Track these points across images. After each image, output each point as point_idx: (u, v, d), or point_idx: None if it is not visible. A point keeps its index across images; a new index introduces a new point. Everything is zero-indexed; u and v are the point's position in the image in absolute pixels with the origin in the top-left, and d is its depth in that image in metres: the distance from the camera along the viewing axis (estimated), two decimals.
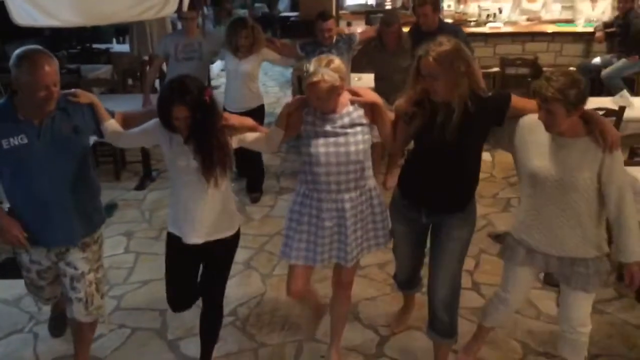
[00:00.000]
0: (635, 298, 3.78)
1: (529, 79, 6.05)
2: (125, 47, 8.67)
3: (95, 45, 8.42)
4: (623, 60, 6.81)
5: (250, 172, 5.51)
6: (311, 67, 2.61)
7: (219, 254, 2.91)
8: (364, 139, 2.74)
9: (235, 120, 2.80)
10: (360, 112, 2.75)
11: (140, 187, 5.76)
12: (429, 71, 2.49)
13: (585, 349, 2.81)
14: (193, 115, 2.55)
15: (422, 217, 2.84)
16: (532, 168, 2.57)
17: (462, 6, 8.26)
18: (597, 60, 7.16)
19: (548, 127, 2.47)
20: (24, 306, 3.84)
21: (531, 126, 2.56)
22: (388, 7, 9.53)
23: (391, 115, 2.79)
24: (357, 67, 5.30)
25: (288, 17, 9.87)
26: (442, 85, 2.49)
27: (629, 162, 4.64)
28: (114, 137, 2.86)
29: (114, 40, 9.09)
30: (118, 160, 5.98)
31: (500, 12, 8.15)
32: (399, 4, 9.46)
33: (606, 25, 7.14)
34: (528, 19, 7.95)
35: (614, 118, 4.86)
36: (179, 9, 4.62)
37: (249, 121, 2.87)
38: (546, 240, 2.66)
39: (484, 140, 2.71)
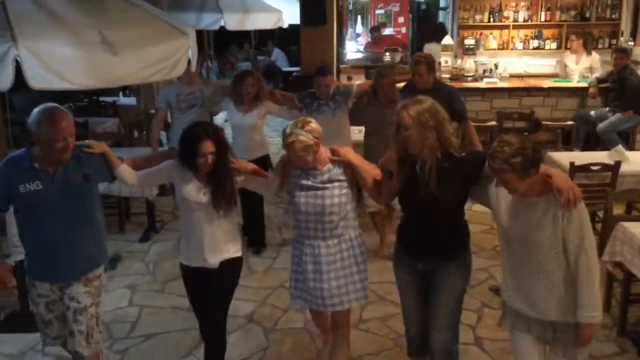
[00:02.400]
0: (638, 353, 3.76)
1: (526, 132, 6.16)
2: (131, 100, 8.82)
3: (102, 98, 8.58)
4: (618, 115, 6.94)
5: (251, 225, 5.55)
6: (287, 129, 3.00)
7: (220, 277, 3.18)
8: (340, 193, 3.09)
9: (239, 164, 3.19)
10: (340, 169, 3.11)
11: (144, 239, 5.79)
12: (405, 124, 2.75)
13: None
14: (217, 151, 2.96)
15: (420, 265, 2.98)
16: (504, 228, 2.66)
17: (459, 61, 8.45)
18: (592, 113, 7.29)
19: (509, 192, 2.56)
20: None
21: (502, 188, 2.61)
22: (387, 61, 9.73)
23: (377, 172, 3.04)
24: (351, 120, 5.37)
25: (290, 72, 10.09)
26: (414, 138, 2.74)
27: (627, 217, 4.69)
28: (129, 178, 3.18)
29: (121, 93, 9.25)
30: (122, 212, 6.02)
31: (496, 67, 8.33)
32: (397, 59, 9.66)
33: (600, 80, 7.30)
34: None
35: (609, 173, 4.93)
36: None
37: (251, 165, 3.26)
38: (526, 303, 2.64)
39: (462, 196, 2.87)
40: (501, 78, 8.09)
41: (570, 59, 8.05)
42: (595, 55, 8.03)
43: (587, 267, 2.49)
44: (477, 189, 2.81)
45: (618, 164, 4.94)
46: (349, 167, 3.10)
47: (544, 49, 8.79)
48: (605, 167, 4.95)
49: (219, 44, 13.13)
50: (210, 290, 3.20)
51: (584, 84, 7.52)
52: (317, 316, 3.54)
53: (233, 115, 5.22)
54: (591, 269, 2.50)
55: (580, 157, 5.35)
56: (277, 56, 13.70)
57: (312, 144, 2.99)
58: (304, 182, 3.12)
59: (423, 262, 2.97)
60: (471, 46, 8.54)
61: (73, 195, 2.98)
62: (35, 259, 3.06)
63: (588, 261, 2.49)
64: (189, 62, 3.64)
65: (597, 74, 7.58)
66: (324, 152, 3.10)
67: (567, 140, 7.12)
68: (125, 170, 3.17)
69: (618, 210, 4.85)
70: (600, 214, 5.02)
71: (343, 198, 3.10)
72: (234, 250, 3.22)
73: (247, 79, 5.07)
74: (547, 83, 7.78)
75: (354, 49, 10.37)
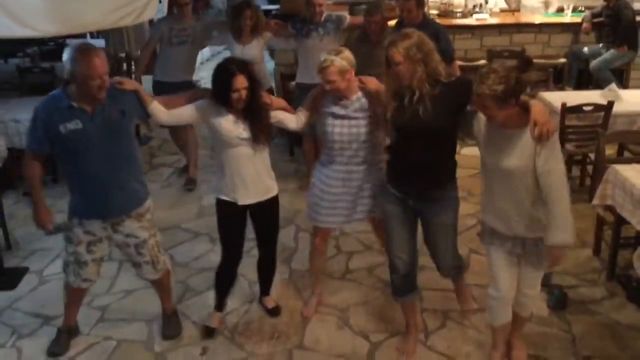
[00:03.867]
0: (627, 297, 3.88)
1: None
2: (100, 42, 8.58)
3: (69, 41, 8.33)
4: (612, 52, 6.92)
5: None
6: (322, 56, 3.26)
7: (269, 212, 3.54)
8: (369, 122, 3.35)
9: (270, 98, 3.44)
10: (366, 99, 3.36)
11: None
12: (396, 60, 2.95)
13: (530, 308, 3.25)
14: (251, 86, 3.15)
15: (409, 200, 3.21)
16: (482, 156, 2.95)
17: None
18: (585, 50, 7.26)
19: (488, 120, 2.82)
20: (5, 319, 3.87)
21: (485, 119, 2.87)
22: None
23: None
24: None
25: (269, 11, 9.83)
26: (403, 72, 2.95)
27: (619, 159, 4.76)
28: (161, 115, 3.32)
29: (88, 35, 8.98)
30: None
31: (487, 2, 8.21)
32: None
33: (594, 15, 7.22)
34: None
35: (602, 113, 4.96)
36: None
37: (281, 101, 3.54)
38: (498, 221, 2.98)
39: (451, 124, 3.05)
40: (491, 13, 7.98)
41: None
42: None
43: (557, 190, 2.74)
44: (467, 120, 3.01)
45: (611, 104, 4.96)
46: (373, 96, 3.33)
47: None
48: (597, 107, 4.97)
49: None
50: (262, 221, 3.56)
51: (577, 19, 7.44)
52: (324, 234, 3.75)
53: (233, 48, 5.32)
54: (561, 192, 2.74)
55: (573, 97, 5.36)
56: None
57: (346, 70, 3.24)
58: (336, 111, 3.37)
59: (413, 199, 3.20)
60: None
61: (112, 132, 3.13)
62: (84, 197, 3.22)
63: (558, 185, 2.74)
64: (161, 2, 3.55)
65: (584, 9, 7.50)
66: (355, 82, 3.35)
67: (559, 79, 7.11)
68: (157, 107, 3.30)
69: (610, 152, 4.90)
70: (592, 156, 5.09)
71: (372, 127, 3.37)
72: (272, 185, 3.52)
73: (246, 11, 5.19)
74: (539, 18, 7.69)
75: None
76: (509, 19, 7.78)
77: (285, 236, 4.70)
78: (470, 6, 8.17)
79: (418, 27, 4.79)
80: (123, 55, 7.73)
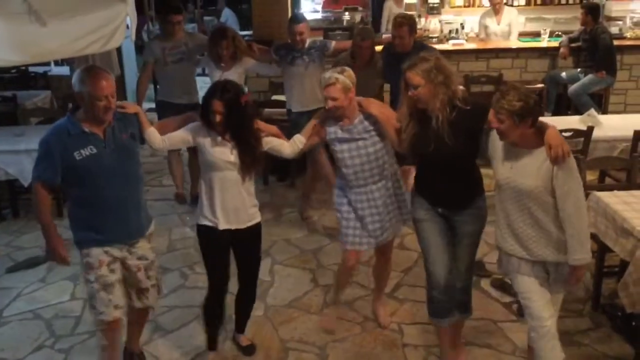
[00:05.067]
0: (612, 328, 3.91)
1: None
2: (64, 70, 8.55)
3: (31, 69, 8.28)
4: (590, 76, 7.07)
5: None
6: (327, 74, 3.42)
7: (252, 241, 3.57)
8: (377, 140, 3.49)
9: (262, 125, 3.50)
10: (368, 121, 3.48)
11: None
12: (414, 83, 3.07)
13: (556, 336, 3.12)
14: (228, 112, 3.21)
15: (439, 209, 3.34)
16: (497, 176, 3.03)
17: (423, 21, 8.45)
18: (563, 75, 7.41)
19: (501, 136, 2.91)
20: None
21: (499, 139, 2.97)
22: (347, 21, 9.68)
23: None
24: None
25: (242, 37, 9.89)
26: (424, 95, 3.06)
27: (600, 186, 4.83)
28: (156, 141, 3.39)
29: (52, 62, 8.94)
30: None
31: (463, 27, 8.36)
32: (357, 18, 9.61)
33: (571, 40, 7.39)
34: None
35: (582, 139, 5.05)
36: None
37: (273, 128, 3.57)
38: (517, 245, 3.02)
39: (471, 147, 3.14)
40: (468, 39, 8.13)
41: (490, 18, 8.06)
42: (511, 10, 8.12)
43: (578, 210, 2.86)
44: (485, 142, 3.10)
45: (591, 129, 5.05)
46: (375, 118, 3.46)
47: (512, 5, 8.78)
48: (577, 132, 5.06)
49: (160, 4, 12.78)
50: (242, 250, 3.56)
51: (555, 44, 7.62)
52: (358, 257, 3.81)
53: (213, 73, 5.41)
54: (581, 211, 2.88)
55: (552, 122, 5.34)
56: (228, 17, 13.38)
57: (350, 87, 3.38)
58: (341, 136, 3.51)
59: (442, 208, 3.33)
60: (435, 4, 8.53)
61: (125, 154, 3.23)
62: (105, 222, 3.20)
63: (579, 205, 2.87)
64: (128, 29, 3.53)
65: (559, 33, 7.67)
66: (355, 104, 3.48)
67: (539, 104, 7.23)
68: (153, 132, 3.38)
69: (590, 178, 4.98)
70: None
71: (380, 144, 3.51)
72: (255, 212, 3.55)
73: (221, 41, 5.29)
74: (515, 43, 7.86)
75: (310, 8, 10.26)
76: (486, 44, 7.93)
77: (260, 269, 4.66)
78: (446, 31, 8.34)
79: (409, 52, 4.95)
80: None
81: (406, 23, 5.11)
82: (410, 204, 3.54)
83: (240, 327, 3.86)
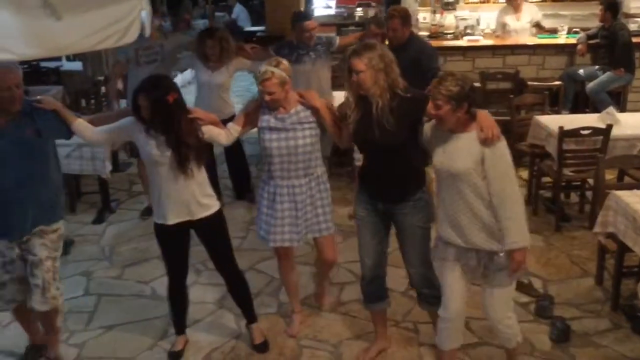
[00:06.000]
0: (632, 328, 3.88)
1: (511, 95, 6.20)
2: (76, 65, 8.60)
3: (43, 64, 8.33)
4: (608, 74, 7.01)
5: (238, 182, 5.99)
6: (262, 67, 3.39)
7: (211, 230, 3.55)
8: (310, 134, 3.50)
9: (200, 113, 3.45)
10: (308, 112, 3.50)
11: (98, 220, 5.72)
12: (357, 69, 3.14)
13: (516, 336, 3.25)
14: (152, 107, 3.19)
15: (379, 205, 3.38)
16: (434, 162, 3.10)
17: (438, 17, 8.42)
18: (580, 72, 7.36)
19: (438, 123, 3.01)
20: None
21: (437, 127, 3.08)
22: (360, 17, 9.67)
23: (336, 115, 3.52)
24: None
25: (254, 32, 9.93)
26: (365, 80, 3.13)
27: (619, 185, 4.79)
28: (87, 133, 3.40)
29: (64, 58, 8.99)
30: (73, 191, 5.92)
31: (478, 23, 8.32)
32: (370, 14, 9.59)
33: (589, 36, 7.34)
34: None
35: (600, 137, 5.01)
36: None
37: (213, 116, 3.55)
38: (452, 231, 3.08)
39: (411, 135, 3.20)
40: (484, 35, 8.09)
41: (509, 15, 7.98)
42: (531, 7, 8.04)
43: (512, 194, 2.94)
44: (424, 131, 3.19)
45: (609, 127, 5.02)
46: (315, 111, 3.50)
47: (529, 0, 8.74)
48: (595, 131, 5.02)
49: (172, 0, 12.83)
50: (206, 241, 3.59)
51: (573, 40, 7.56)
52: (285, 252, 3.86)
53: (200, 73, 5.36)
54: (515, 195, 2.95)
55: (570, 120, 5.41)
56: (239, 13, 13.43)
57: (286, 81, 3.40)
58: (273, 124, 3.49)
59: (382, 202, 3.36)
60: (450, 0, 8.50)
61: (23, 149, 3.17)
62: None
63: (512, 188, 2.95)
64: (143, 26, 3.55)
65: (583, 30, 7.62)
66: (293, 95, 3.50)
67: (555, 102, 7.19)
68: (81, 124, 3.38)
69: (609, 177, 4.94)
70: (591, 181, 5.13)
71: (313, 139, 3.53)
72: (210, 203, 3.49)
73: (207, 40, 5.22)
74: (532, 40, 7.81)
75: (323, 4, 10.26)
76: (502, 40, 7.88)
77: (271, 268, 4.67)
78: (461, 27, 8.29)
79: (404, 45, 4.94)
80: (102, 78, 7.72)
81: (397, 15, 5.07)
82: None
83: (248, 317, 3.87)
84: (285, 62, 3.46)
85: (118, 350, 3.85)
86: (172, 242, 3.54)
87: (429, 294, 3.45)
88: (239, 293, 3.80)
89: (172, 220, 3.42)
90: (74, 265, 4.89)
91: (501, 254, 3.01)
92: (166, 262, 3.64)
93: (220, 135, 3.55)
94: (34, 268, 3.29)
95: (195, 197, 3.41)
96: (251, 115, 3.57)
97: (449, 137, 3.01)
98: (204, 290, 4.44)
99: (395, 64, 3.21)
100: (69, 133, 3.39)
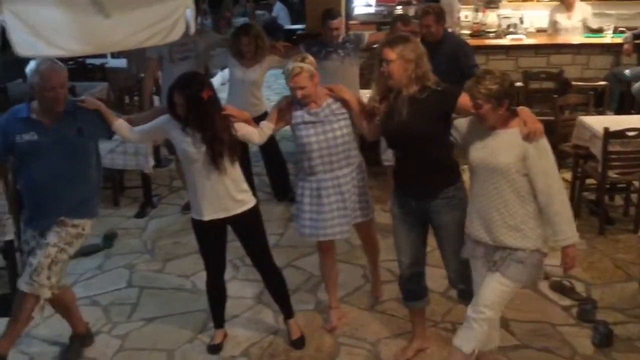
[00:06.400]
0: None
1: (555, 94, 6.10)
2: (121, 62, 8.75)
3: (89, 61, 8.50)
4: None
5: (276, 181, 6.01)
6: (289, 65, 3.44)
7: (247, 226, 3.59)
8: (346, 124, 3.57)
9: (233, 111, 3.50)
10: (338, 103, 3.56)
11: (140, 214, 5.83)
12: (387, 57, 3.15)
13: (476, 341, 3.08)
14: (187, 104, 3.23)
15: (412, 203, 3.36)
16: (470, 159, 3.08)
17: (480, 15, 8.32)
18: (626, 72, 7.19)
19: (480, 121, 2.98)
20: (23, 347, 3.87)
21: (475, 123, 3.07)
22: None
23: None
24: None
25: (293, 31, 9.96)
26: (394, 70, 3.14)
27: None
28: (126, 133, 3.51)
29: (109, 55, 9.15)
30: (116, 185, 6.04)
31: (522, 21, 8.20)
32: (411, 13, 9.53)
33: (636, 36, 7.16)
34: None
35: None
36: None
37: (246, 114, 3.59)
38: (481, 228, 3.07)
39: (436, 129, 3.21)
40: (527, 34, 7.97)
41: (560, 13, 7.85)
42: (583, 5, 7.87)
43: (559, 191, 2.93)
44: (459, 127, 3.19)
45: None
46: (344, 103, 3.55)
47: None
48: None
49: None
50: (242, 237, 3.63)
51: (618, 40, 7.39)
52: (328, 247, 3.90)
53: (234, 70, 5.38)
54: (560, 192, 2.94)
55: (615, 121, 5.29)
56: (279, 11, 13.47)
57: (315, 73, 3.47)
58: (308, 119, 3.54)
59: (415, 200, 3.34)
60: None
61: (66, 148, 3.30)
62: (27, 206, 3.46)
63: (559, 186, 2.94)
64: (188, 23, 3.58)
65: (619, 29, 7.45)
66: (321, 89, 3.57)
67: (600, 102, 7.05)
68: (121, 125, 3.48)
69: None
70: (637, 183, 5.02)
71: (349, 128, 3.59)
72: (245, 198, 3.53)
73: (242, 38, 5.25)
74: (577, 39, 7.66)
75: (363, 2, 10.22)
76: (546, 39, 7.75)
77: (310, 264, 4.70)
78: (504, 26, 8.18)
79: (438, 42, 4.93)
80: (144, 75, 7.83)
81: (431, 12, 5.10)
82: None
83: (285, 312, 3.89)
84: (310, 56, 3.53)
85: (159, 342, 3.91)
86: (209, 237, 3.60)
87: (466, 289, 3.42)
88: (276, 288, 3.83)
89: (208, 216, 3.47)
90: (117, 258, 4.99)
91: (526, 251, 2.99)
92: (204, 257, 3.70)
93: (254, 134, 3.58)
94: (37, 248, 3.36)
95: (229, 193, 3.44)
96: (283, 112, 3.61)
97: (488, 134, 3.00)
98: (242, 285, 4.48)
99: (427, 58, 3.21)
100: (109, 133, 3.51)
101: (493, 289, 3.03)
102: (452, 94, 3.16)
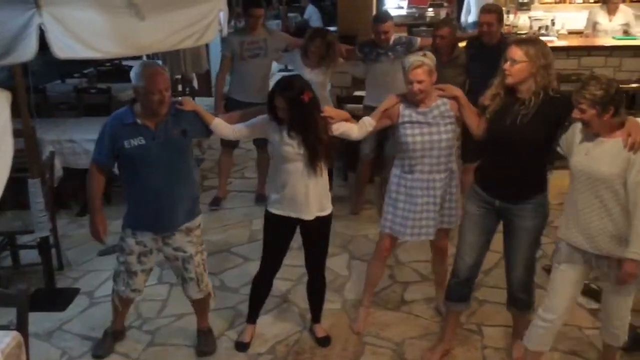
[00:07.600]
0: None
1: None
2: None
3: (125, 62, 8.63)
4: None
5: None
6: (410, 57, 3.47)
7: (321, 231, 3.61)
8: (452, 128, 3.54)
9: (332, 111, 3.56)
10: (447, 106, 3.52)
11: None
12: (514, 56, 3.09)
13: (623, 338, 3.21)
14: (290, 108, 3.29)
15: (496, 202, 3.32)
16: (572, 164, 3.04)
17: (511, 17, 8.26)
18: None
19: (585, 126, 2.93)
20: (55, 341, 3.97)
21: (578, 129, 3.03)
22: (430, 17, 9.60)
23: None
24: None
25: None
26: (518, 71, 3.08)
27: None
28: (226, 131, 3.58)
29: (144, 56, 9.28)
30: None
31: (553, 23, 8.12)
32: (442, 15, 9.49)
33: None
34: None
35: None
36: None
37: (343, 113, 3.67)
38: (582, 237, 3.01)
39: (549, 136, 3.15)
40: (559, 36, 7.88)
41: (602, 15, 7.73)
42: (626, 9, 7.73)
43: None
44: (567, 134, 3.11)
45: None
46: (454, 103, 3.51)
47: (607, 1, 8.44)
48: None
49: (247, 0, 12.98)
50: (310, 240, 3.64)
51: None
52: (389, 247, 3.87)
53: (301, 70, 5.37)
54: None
55: None
56: (311, 14, 13.49)
57: (434, 70, 3.45)
58: (415, 119, 3.53)
59: (500, 200, 3.29)
60: (525, 0, 8.32)
61: (173, 149, 3.37)
62: (139, 210, 3.47)
63: None
64: (220, 26, 3.63)
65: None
66: (433, 89, 3.53)
67: (632, 105, 6.92)
68: (220, 124, 3.55)
69: None
70: None
71: (454, 133, 3.57)
72: (327, 204, 3.57)
73: (316, 39, 5.31)
74: (609, 41, 7.54)
75: (394, 4, 10.21)
76: (577, 41, 7.65)
77: (337, 264, 4.72)
78: (535, 28, 8.11)
79: (495, 44, 4.87)
80: (179, 77, 7.95)
81: (495, 10, 5.09)
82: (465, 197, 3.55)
83: (315, 317, 3.93)
84: (430, 53, 3.53)
85: (187, 338, 3.96)
86: (279, 233, 3.61)
87: (524, 299, 3.43)
88: (317, 293, 3.86)
89: (296, 215, 3.50)
90: None
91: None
92: (266, 251, 3.69)
93: (352, 129, 3.58)
94: (186, 263, 3.54)
95: (318, 195, 3.49)
96: (389, 110, 3.60)
97: (593, 140, 2.95)
98: None
99: (554, 65, 3.15)
100: (208, 132, 3.57)
101: (619, 307, 3.14)
102: (568, 102, 3.02)
